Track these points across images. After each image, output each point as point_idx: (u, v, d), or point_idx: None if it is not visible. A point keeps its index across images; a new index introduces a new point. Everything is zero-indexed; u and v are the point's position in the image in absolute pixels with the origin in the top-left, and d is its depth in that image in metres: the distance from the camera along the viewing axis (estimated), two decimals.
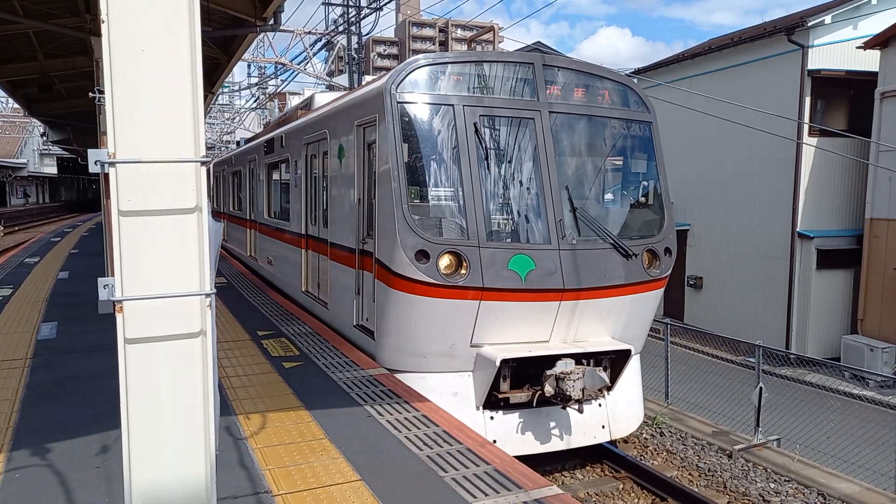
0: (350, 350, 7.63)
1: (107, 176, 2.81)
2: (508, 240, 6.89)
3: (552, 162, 7.07)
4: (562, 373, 6.62)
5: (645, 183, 8.01)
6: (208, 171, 22.84)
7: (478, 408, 6.91)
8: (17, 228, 41.03)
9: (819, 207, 16.89)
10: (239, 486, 4.18)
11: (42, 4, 12.70)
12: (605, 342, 7.24)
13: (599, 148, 7.69)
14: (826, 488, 7.69)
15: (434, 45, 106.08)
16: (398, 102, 6.78)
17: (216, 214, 21.32)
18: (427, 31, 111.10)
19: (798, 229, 16.74)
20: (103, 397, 5.75)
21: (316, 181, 9.99)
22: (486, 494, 4.11)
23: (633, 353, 7.28)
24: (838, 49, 16.79)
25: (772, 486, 7.84)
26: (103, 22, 2.68)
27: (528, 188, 7.11)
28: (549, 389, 6.66)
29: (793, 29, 16.51)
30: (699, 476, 8.18)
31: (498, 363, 6.51)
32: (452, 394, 6.84)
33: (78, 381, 6.38)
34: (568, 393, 6.55)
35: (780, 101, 16.40)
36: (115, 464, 4.31)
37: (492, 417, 6.93)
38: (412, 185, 6.78)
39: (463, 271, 6.53)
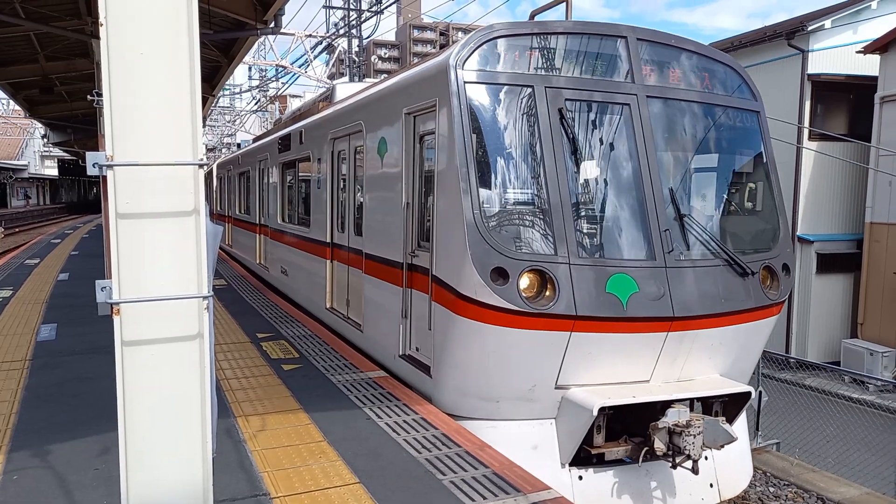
0: (349, 353, 7.62)
1: (106, 178, 2.82)
2: (604, 255, 5.64)
3: (653, 158, 5.82)
4: (677, 425, 5.37)
5: (753, 185, 6.69)
6: (210, 172, 22.69)
7: (563, 465, 5.61)
8: (17, 230, 41.09)
9: (819, 212, 16.90)
10: (237, 488, 4.18)
11: (43, 7, 12.73)
12: (718, 383, 5.97)
13: (705, 142, 6.42)
14: (826, 492, 7.68)
15: (435, 48, 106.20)
16: (465, 83, 5.53)
17: (220, 218, 20.85)
18: (428, 35, 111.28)
19: (798, 233, 16.74)
20: (103, 399, 5.75)
21: (346, 182, 8.67)
22: (484, 498, 4.11)
23: (752, 395, 6.01)
24: (838, 53, 16.82)
25: (771, 489, 7.83)
26: (102, 25, 2.69)
27: (625, 191, 5.85)
28: (660, 446, 5.40)
29: (793, 33, 16.53)
30: None
31: (595, 412, 5.22)
32: (531, 447, 5.58)
33: (77, 382, 6.38)
34: (686, 451, 5.29)
35: (781, 104, 16.42)
36: (114, 466, 4.30)
37: (580, 477, 5.64)
38: (484, 187, 5.54)
39: (548, 293, 5.30)
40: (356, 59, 26.61)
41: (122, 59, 2.74)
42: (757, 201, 6.71)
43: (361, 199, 7.96)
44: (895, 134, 15.49)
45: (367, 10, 25.69)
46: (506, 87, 5.67)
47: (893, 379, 14.42)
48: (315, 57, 27.33)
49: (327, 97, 11.08)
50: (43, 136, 39.63)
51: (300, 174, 11.19)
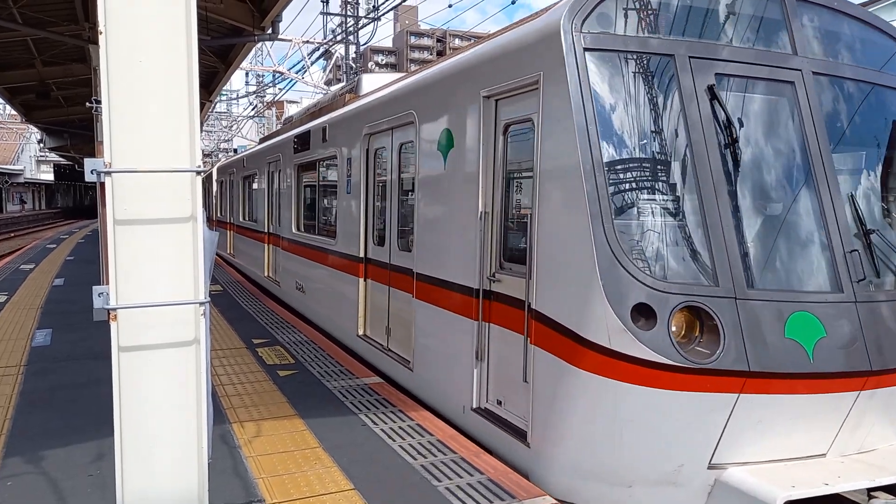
0: (344, 358, 7.62)
1: (103, 184, 2.84)
2: (778, 285, 4.17)
3: (827, 155, 4.43)
4: None
5: None
6: (209, 176, 22.40)
7: None
8: (12, 235, 41.00)
9: None
10: (233, 494, 4.18)
11: (41, 12, 12.75)
12: None
13: (878, 134, 4.96)
14: None
15: (432, 54, 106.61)
16: (586, 50, 4.15)
17: (221, 225, 20.32)
18: (425, 41, 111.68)
19: None
20: (98, 405, 5.74)
21: (386, 185, 7.28)
22: None
23: None
24: None
25: None
26: (101, 33, 2.71)
27: (797, 197, 4.44)
28: None
29: None
30: None
31: None
32: None
33: (72, 388, 6.36)
34: None
35: None
36: (109, 472, 4.30)
37: None
38: (616, 191, 4.14)
39: (704, 339, 3.93)
40: (353, 65, 26.69)
41: (120, 66, 2.76)
42: None
43: (411, 207, 6.54)
44: None
45: (365, 17, 25.80)
46: (638, 57, 4.27)
47: None
48: (312, 63, 27.41)
49: (352, 89, 9.75)
50: (39, 141, 39.65)
51: (322, 177, 9.82)
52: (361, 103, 8.21)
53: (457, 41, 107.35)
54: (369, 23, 25.08)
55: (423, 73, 6.64)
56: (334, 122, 9.03)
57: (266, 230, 13.36)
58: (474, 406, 5.35)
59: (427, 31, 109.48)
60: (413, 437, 5.20)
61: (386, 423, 5.51)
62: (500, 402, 5.13)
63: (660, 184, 4.30)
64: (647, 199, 4.23)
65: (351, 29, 26.40)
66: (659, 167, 4.31)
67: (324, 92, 24.01)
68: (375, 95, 7.79)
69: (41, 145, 38.91)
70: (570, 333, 4.15)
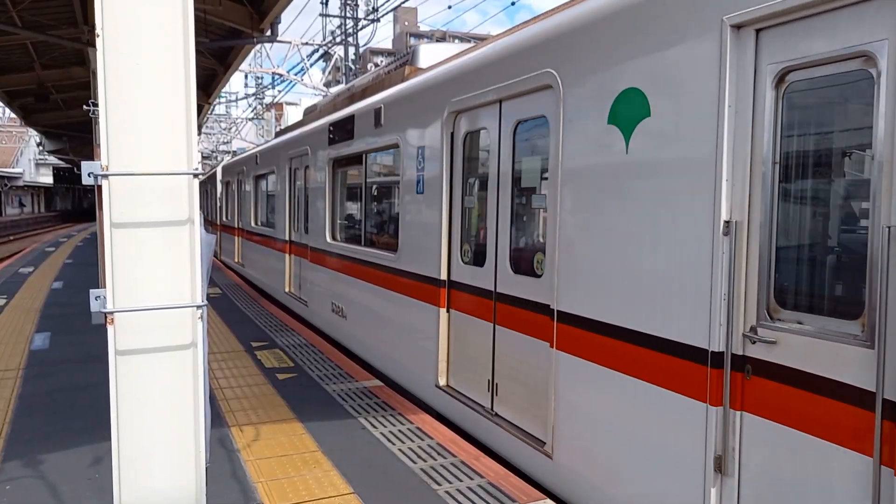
0: (344, 362, 7.60)
1: (100, 187, 2.83)
2: None
3: None
4: None
5: None
6: (213, 175, 22.05)
7: None
8: (11, 238, 40.96)
9: None
10: (231, 498, 4.17)
11: (40, 15, 12.76)
12: None
13: None
14: None
15: None
16: None
17: (226, 230, 18.98)
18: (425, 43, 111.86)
19: None
20: (96, 408, 5.72)
21: (489, 181, 5.28)
22: None
23: None
24: None
25: None
26: (98, 36, 2.70)
27: None
28: None
29: None
30: None
31: None
32: None
33: (71, 391, 6.35)
34: None
35: None
36: (107, 475, 4.27)
37: None
38: None
39: None
40: (352, 66, 26.70)
41: (118, 69, 2.75)
42: None
43: (540, 212, 4.85)
44: None
45: (364, 19, 25.82)
46: None
47: None
48: (312, 65, 27.44)
49: (409, 60, 7.76)
50: (38, 144, 39.68)
51: (373, 172, 8.07)
52: (441, 70, 6.15)
53: (456, 42, 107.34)
54: (369, 24, 25.10)
55: (576, 8, 4.35)
56: (393, 102, 7.04)
57: (287, 238, 11.41)
58: None
59: (427, 33, 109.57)
60: (413, 441, 5.19)
61: (385, 427, 5.49)
62: None
63: None
64: None
65: (350, 30, 26.42)
66: None
67: (323, 94, 23.96)
68: (467, 57, 5.77)
69: (40, 148, 38.95)
70: None
